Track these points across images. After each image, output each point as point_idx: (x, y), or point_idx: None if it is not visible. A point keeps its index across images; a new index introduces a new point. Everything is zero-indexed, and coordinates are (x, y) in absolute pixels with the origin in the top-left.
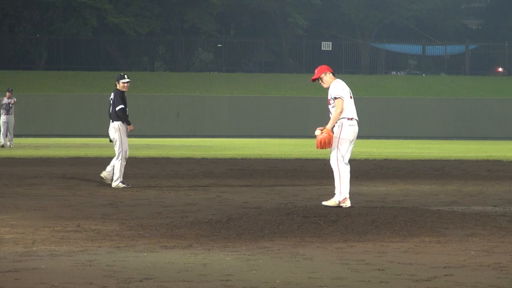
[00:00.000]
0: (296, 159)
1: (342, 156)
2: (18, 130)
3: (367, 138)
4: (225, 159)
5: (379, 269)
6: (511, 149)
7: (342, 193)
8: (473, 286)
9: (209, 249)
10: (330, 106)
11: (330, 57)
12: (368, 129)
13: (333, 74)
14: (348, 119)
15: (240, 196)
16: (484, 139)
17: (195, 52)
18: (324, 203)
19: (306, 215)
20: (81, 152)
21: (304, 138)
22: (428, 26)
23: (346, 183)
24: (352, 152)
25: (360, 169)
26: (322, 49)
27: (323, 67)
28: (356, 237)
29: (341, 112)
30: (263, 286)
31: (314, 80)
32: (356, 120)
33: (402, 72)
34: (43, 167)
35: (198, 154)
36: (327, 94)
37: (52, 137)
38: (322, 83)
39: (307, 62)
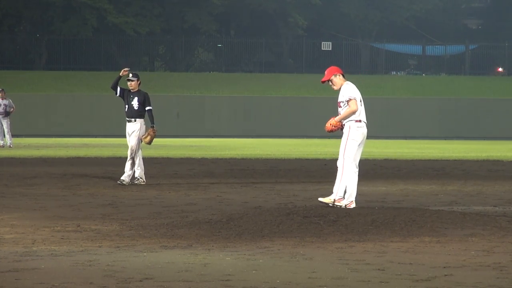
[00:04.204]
0: (296, 159)
1: (349, 157)
2: (18, 130)
3: (367, 138)
4: (225, 159)
5: (379, 269)
6: (511, 149)
7: (337, 193)
8: (473, 286)
9: (209, 249)
10: (340, 109)
11: (330, 57)
12: (368, 129)
13: (343, 76)
14: (356, 121)
15: (240, 196)
16: (484, 139)
17: (195, 52)
18: (320, 199)
19: (306, 215)
20: (81, 152)
21: (304, 138)
22: (428, 26)
23: (343, 185)
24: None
25: (360, 169)
26: (322, 49)
27: (334, 68)
28: (356, 237)
29: (353, 112)
30: (263, 286)
31: (324, 82)
32: (365, 122)
33: (402, 72)
34: (43, 167)
35: (198, 154)
36: (337, 96)
37: (52, 137)
38: (332, 85)
39: (307, 62)
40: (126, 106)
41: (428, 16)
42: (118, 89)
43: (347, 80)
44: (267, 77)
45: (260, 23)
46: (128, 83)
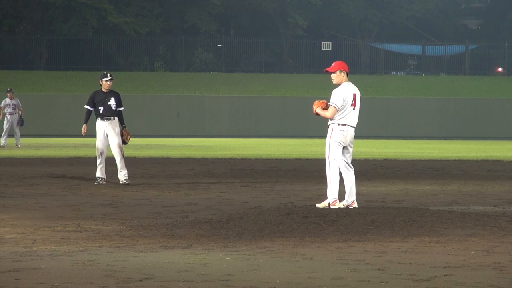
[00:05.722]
0: (296, 159)
1: (334, 159)
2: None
3: (367, 138)
4: (225, 159)
5: (379, 269)
6: (511, 149)
7: (331, 195)
8: (473, 286)
9: (209, 249)
10: None
11: (330, 57)
12: (368, 129)
13: (347, 76)
14: (341, 125)
15: (240, 196)
16: (484, 139)
17: (195, 52)
18: (317, 205)
19: (306, 215)
20: (81, 152)
21: (304, 138)
22: (428, 26)
23: (335, 186)
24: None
25: (360, 169)
26: (322, 49)
27: (342, 64)
28: (356, 237)
29: (330, 118)
30: (263, 286)
31: (328, 71)
32: (351, 126)
33: (402, 72)
34: (43, 167)
35: (198, 154)
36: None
37: (52, 137)
38: (332, 78)
39: (307, 62)
40: (101, 107)
41: (428, 16)
42: (90, 108)
43: (349, 81)
44: (267, 77)
45: (260, 23)
46: (108, 82)
